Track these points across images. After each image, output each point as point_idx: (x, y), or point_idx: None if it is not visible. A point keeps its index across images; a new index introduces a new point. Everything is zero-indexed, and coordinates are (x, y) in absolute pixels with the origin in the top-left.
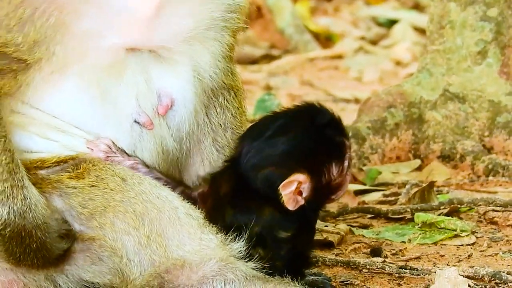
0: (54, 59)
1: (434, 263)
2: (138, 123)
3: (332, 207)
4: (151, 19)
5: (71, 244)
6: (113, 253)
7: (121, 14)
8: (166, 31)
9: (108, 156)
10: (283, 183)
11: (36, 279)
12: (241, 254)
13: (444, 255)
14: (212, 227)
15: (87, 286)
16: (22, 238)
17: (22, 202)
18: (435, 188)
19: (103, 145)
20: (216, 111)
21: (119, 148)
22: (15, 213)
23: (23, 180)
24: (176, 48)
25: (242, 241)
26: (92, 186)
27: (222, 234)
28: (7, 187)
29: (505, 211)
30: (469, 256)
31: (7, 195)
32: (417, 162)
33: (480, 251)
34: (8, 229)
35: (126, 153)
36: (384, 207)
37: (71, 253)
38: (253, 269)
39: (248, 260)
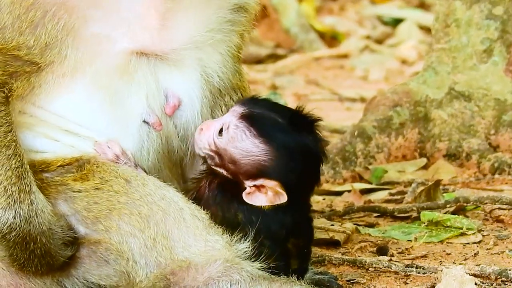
0: (66, 63)
1: (440, 261)
2: (147, 123)
3: (339, 206)
4: (159, 25)
5: (75, 251)
6: (119, 255)
7: (130, 21)
8: (175, 36)
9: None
10: None
11: (42, 282)
12: (247, 254)
13: (450, 254)
14: (218, 227)
15: None
16: (26, 244)
17: (28, 207)
18: (441, 187)
19: (111, 154)
20: (222, 111)
21: (128, 156)
22: (21, 217)
23: (30, 185)
24: (184, 52)
25: (248, 241)
26: (97, 189)
27: (228, 235)
28: (15, 191)
29: (511, 209)
30: (475, 254)
31: (15, 199)
32: (423, 160)
33: (486, 249)
34: (13, 234)
35: (135, 163)
36: (390, 206)
37: (77, 257)
38: (259, 269)
39: (254, 260)
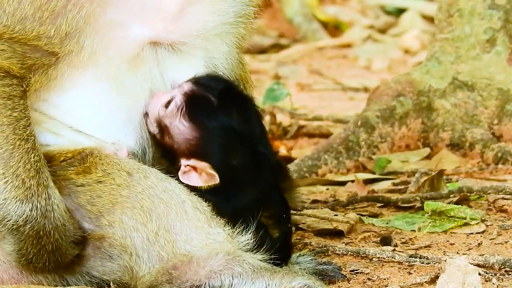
0: (82, 52)
1: (444, 251)
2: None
3: (342, 196)
4: (177, 14)
5: (81, 250)
6: (123, 250)
7: (148, 7)
8: (189, 26)
9: None
10: None
11: (45, 278)
12: (248, 246)
13: (454, 244)
14: (220, 219)
15: (96, 282)
16: (39, 238)
17: (46, 201)
18: (444, 177)
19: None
20: None
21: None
22: (38, 210)
23: (48, 180)
24: (195, 43)
25: (249, 233)
26: (99, 182)
27: (230, 227)
28: (33, 184)
29: None
30: (479, 244)
31: (33, 192)
32: (427, 150)
33: (490, 239)
34: (28, 226)
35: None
36: (393, 196)
37: (83, 255)
38: (261, 260)
39: (256, 252)
